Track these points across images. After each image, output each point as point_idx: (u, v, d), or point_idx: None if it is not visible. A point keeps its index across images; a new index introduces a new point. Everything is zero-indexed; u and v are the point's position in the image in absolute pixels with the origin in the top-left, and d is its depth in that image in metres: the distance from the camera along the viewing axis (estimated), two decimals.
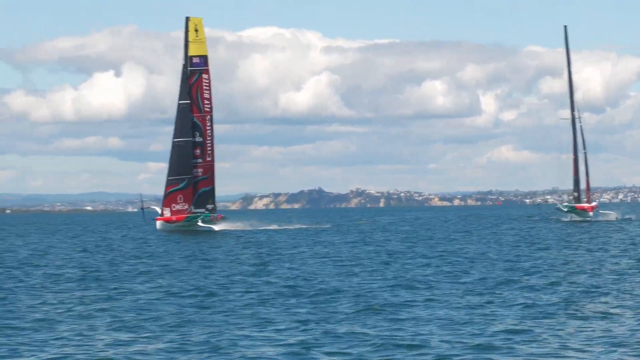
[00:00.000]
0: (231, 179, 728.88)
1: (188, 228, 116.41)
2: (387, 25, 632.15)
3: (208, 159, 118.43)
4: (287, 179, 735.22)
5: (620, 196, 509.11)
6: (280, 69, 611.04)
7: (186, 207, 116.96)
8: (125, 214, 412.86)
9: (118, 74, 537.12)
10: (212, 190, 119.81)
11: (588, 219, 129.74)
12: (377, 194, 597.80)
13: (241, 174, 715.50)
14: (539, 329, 32.81)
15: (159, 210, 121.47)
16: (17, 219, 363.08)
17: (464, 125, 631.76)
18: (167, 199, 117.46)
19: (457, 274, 54.02)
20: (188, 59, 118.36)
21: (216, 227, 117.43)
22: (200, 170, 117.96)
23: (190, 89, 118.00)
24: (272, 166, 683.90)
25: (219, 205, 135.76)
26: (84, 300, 43.31)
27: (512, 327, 33.34)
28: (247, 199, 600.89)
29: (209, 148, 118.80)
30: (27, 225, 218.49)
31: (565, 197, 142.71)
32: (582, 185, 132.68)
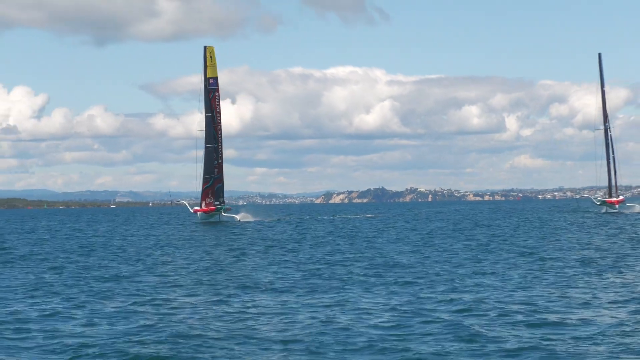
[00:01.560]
0: (316, 179, 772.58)
1: (213, 218, 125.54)
2: (435, 63, 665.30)
3: (220, 160, 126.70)
4: (358, 179, 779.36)
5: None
6: (354, 97, 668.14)
7: (212, 200, 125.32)
8: (240, 207, 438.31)
9: (234, 101, 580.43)
10: (223, 186, 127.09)
11: (615, 210, 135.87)
12: (426, 191, 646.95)
13: (324, 175, 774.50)
14: None
15: (187, 205, 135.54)
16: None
17: (492, 139, 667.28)
18: (203, 194, 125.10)
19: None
20: (206, 80, 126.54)
21: (238, 217, 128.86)
22: (216, 170, 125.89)
23: (210, 103, 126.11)
24: (347, 170, 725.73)
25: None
26: None
27: None
28: (328, 195, 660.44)
29: (221, 152, 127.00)
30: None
31: (600, 193, 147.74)
32: (619, 182, 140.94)
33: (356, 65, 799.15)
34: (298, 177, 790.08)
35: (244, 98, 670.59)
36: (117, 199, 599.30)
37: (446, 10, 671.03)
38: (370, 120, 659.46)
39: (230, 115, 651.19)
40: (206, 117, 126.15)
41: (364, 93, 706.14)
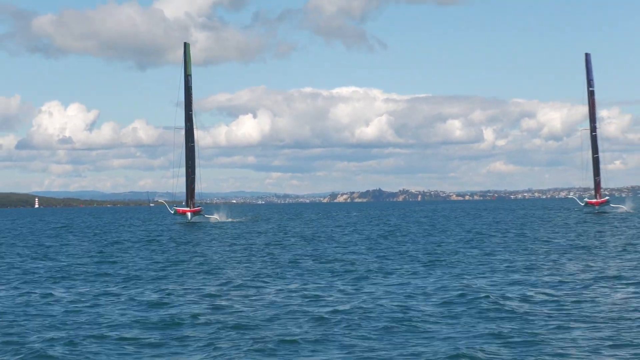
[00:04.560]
0: (323, 182, 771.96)
1: (194, 218, 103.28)
2: (424, 84, 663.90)
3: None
4: (359, 182, 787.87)
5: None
6: (356, 113, 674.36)
7: (193, 201, 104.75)
8: (258, 206, 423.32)
9: (255, 116, 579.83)
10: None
11: (597, 210, 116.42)
12: (416, 192, 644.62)
13: (330, 179, 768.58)
14: None
15: (167, 205, 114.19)
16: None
17: (472, 148, 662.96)
18: (190, 194, 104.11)
19: None
20: (187, 76, 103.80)
21: (212, 218, 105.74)
22: (190, 169, 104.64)
23: (189, 100, 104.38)
24: (350, 174, 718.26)
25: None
26: None
27: None
28: (333, 195, 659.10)
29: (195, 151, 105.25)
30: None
31: (586, 194, 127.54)
32: (585, 185, 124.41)
33: (358, 86, 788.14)
34: (308, 180, 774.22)
35: (262, 113, 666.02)
36: (156, 199, 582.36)
37: (434, 40, 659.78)
38: (369, 132, 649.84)
39: (251, 128, 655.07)
40: (187, 114, 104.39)
41: (364, 109, 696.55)
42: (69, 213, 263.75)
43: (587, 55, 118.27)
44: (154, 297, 29.41)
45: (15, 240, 74.75)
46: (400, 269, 37.88)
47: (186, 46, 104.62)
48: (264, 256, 47.23)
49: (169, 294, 29.71)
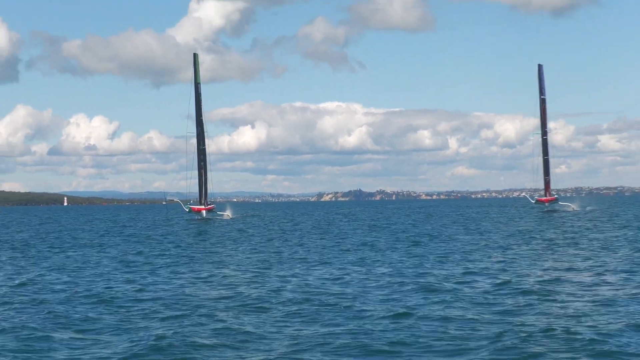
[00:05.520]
0: (311, 184, 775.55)
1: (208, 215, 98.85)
2: (398, 100, 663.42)
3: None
4: (342, 184, 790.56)
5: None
6: (339, 124, 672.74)
7: (206, 200, 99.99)
8: (256, 204, 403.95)
9: (253, 127, 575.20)
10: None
11: (547, 208, 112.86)
12: (391, 192, 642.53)
13: (317, 181, 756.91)
14: None
15: (181, 203, 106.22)
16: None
17: (439, 154, 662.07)
18: (205, 194, 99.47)
19: None
20: (197, 85, 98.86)
21: (224, 215, 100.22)
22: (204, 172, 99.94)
23: (199, 105, 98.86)
24: (334, 177, 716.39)
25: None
26: None
27: None
28: (320, 195, 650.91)
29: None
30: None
31: (535, 195, 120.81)
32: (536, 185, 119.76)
33: (341, 101, 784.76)
34: (298, 182, 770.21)
35: (259, 124, 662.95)
36: (168, 198, 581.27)
37: (406, 61, 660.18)
38: (350, 140, 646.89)
39: (250, 137, 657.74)
40: (198, 119, 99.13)
41: (346, 121, 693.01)
42: (100, 210, 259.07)
43: (540, 67, 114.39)
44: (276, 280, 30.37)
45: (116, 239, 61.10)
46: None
47: (195, 57, 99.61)
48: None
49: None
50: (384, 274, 30.07)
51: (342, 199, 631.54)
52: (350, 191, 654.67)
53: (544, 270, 30.78)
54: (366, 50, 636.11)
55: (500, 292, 24.41)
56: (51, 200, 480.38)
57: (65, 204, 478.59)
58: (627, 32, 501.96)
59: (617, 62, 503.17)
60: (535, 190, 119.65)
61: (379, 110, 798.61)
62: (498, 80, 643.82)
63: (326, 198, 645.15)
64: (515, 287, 25.43)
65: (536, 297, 23.18)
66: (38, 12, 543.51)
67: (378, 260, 35.99)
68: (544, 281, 27.01)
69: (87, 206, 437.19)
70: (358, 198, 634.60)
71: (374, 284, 26.82)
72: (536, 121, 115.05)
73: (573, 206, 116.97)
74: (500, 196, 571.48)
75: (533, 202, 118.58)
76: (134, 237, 61.54)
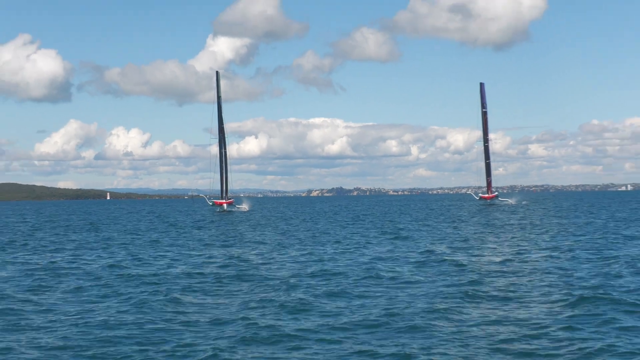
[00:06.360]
0: (302, 183, 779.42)
1: (228, 208, 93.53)
2: (372, 115, 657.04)
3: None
4: (327, 182, 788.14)
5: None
6: (325, 135, 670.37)
7: (227, 195, 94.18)
8: (259, 199, 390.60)
9: (256, 137, 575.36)
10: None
11: (489, 203, 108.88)
12: (365, 189, 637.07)
13: (307, 180, 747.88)
14: None
15: (206, 198, 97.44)
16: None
17: (403, 160, 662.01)
18: (226, 191, 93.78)
19: None
20: (219, 97, 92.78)
21: (242, 207, 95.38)
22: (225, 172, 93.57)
23: (221, 117, 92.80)
24: (321, 177, 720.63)
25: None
26: None
27: None
28: (309, 191, 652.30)
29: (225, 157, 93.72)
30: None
31: (479, 191, 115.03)
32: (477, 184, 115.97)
33: (326, 117, 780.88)
34: (292, 181, 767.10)
35: (261, 136, 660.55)
36: (194, 193, 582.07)
37: (379, 85, 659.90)
38: (334, 148, 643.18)
39: (254, 145, 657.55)
40: (220, 126, 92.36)
41: (330, 133, 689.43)
42: (139, 204, 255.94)
43: (482, 84, 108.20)
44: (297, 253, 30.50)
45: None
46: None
47: (217, 74, 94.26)
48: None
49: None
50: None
51: (327, 195, 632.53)
52: (333, 188, 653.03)
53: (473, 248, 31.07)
54: (346, 76, 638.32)
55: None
56: (97, 195, 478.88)
57: (108, 198, 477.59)
58: (552, 62, 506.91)
59: (544, 86, 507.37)
60: (479, 187, 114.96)
61: (356, 124, 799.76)
62: (451, 101, 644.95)
63: (314, 194, 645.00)
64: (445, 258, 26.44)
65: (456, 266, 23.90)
66: (86, 46, 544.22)
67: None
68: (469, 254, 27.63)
69: (125, 200, 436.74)
70: (339, 194, 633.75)
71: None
72: (480, 133, 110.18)
73: (511, 201, 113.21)
74: (451, 192, 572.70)
75: (477, 198, 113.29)
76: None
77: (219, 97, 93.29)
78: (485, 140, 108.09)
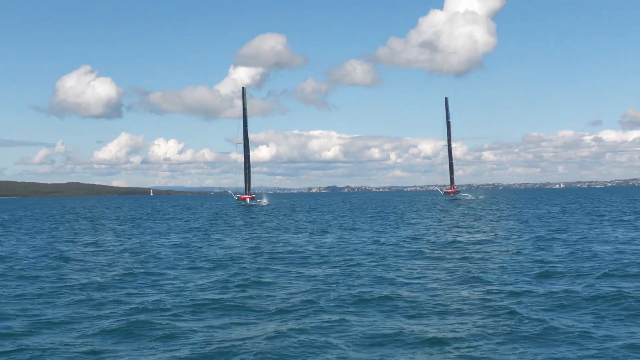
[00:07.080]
0: (304, 182, 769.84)
1: (251, 202, 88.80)
2: (360, 128, 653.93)
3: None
4: (323, 181, 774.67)
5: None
6: (322, 144, 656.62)
7: (249, 192, 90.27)
8: (270, 195, 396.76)
9: (267, 146, 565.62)
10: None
11: (452, 197, 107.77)
12: (354, 187, 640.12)
13: (308, 180, 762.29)
14: None
15: (232, 194, 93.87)
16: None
17: (384, 163, 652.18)
18: (249, 188, 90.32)
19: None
20: (244, 110, 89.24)
21: (264, 201, 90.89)
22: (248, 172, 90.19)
23: (246, 126, 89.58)
24: (318, 177, 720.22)
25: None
26: None
27: None
28: (309, 189, 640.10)
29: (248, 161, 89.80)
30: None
31: (444, 188, 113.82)
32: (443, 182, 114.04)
33: (323, 130, 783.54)
34: (296, 180, 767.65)
35: (271, 145, 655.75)
36: (214, 191, 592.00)
37: (365, 104, 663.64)
38: (329, 154, 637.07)
39: (265, 152, 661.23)
40: (245, 133, 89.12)
41: (327, 142, 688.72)
42: (176, 199, 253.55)
43: (446, 99, 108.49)
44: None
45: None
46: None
47: (244, 90, 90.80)
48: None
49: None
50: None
51: (324, 191, 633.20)
52: (328, 186, 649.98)
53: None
54: (339, 98, 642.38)
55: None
56: (142, 192, 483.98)
57: (151, 194, 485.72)
58: (500, 86, 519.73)
59: (495, 105, 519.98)
60: (444, 185, 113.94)
61: (347, 136, 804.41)
62: (421, 117, 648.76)
63: (313, 191, 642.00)
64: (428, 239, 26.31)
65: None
66: (135, 74, 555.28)
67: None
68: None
69: (165, 195, 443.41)
70: (333, 191, 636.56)
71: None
72: (445, 142, 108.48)
73: (470, 196, 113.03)
74: (422, 189, 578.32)
75: (442, 193, 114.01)
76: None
77: (244, 109, 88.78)
78: (449, 144, 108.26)
